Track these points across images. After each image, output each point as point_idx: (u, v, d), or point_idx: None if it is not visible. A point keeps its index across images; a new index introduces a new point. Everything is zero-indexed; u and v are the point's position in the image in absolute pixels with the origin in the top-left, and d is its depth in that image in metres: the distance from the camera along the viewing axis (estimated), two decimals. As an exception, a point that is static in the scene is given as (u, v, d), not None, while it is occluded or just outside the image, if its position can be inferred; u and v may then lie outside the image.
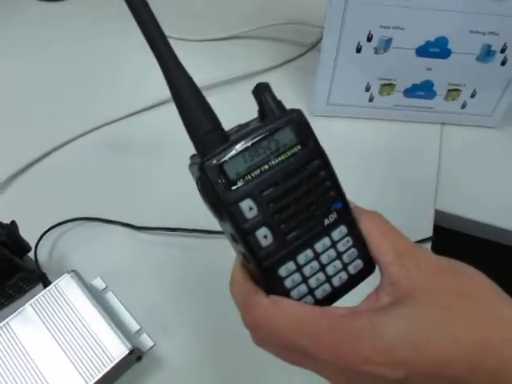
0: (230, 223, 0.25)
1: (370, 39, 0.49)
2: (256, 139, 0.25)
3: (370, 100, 0.54)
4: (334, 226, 0.26)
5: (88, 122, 0.56)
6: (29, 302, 0.41)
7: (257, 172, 0.25)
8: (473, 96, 0.53)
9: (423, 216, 0.51)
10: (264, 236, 0.25)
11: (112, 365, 0.39)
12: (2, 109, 0.58)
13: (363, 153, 0.54)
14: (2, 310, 0.45)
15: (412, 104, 0.54)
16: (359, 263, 0.27)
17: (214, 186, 0.24)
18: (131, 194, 0.52)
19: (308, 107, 0.56)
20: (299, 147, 0.25)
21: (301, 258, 0.26)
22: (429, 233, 0.50)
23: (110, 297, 0.46)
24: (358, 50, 0.50)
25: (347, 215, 0.27)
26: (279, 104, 0.26)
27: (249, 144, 0.24)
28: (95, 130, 0.56)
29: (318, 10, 0.64)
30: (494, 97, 0.53)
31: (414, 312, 0.23)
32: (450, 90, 0.53)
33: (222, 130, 0.26)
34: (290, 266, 0.26)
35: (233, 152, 0.24)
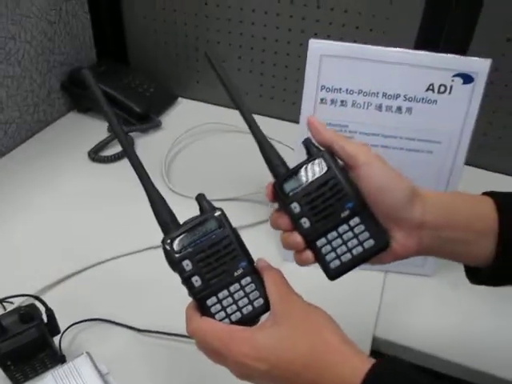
0: (178, 273, 0.43)
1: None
2: (193, 227, 0.43)
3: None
4: (241, 276, 0.42)
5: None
6: (50, 371, 0.54)
7: (192, 244, 0.42)
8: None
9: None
10: (196, 281, 0.42)
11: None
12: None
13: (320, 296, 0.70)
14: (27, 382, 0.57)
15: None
16: (260, 301, 0.43)
17: (168, 254, 0.43)
18: (140, 300, 0.67)
19: (281, 254, 0.74)
20: (218, 230, 0.43)
21: (220, 295, 0.42)
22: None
23: (111, 381, 0.58)
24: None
25: (251, 271, 0.43)
26: (210, 204, 0.44)
27: (188, 230, 0.43)
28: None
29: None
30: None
31: (277, 331, 0.40)
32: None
33: (176, 221, 0.44)
34: (213, 299, 0.42)
35: (179, 235, 0.43)
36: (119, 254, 0.74)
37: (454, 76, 0.62)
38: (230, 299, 0.42)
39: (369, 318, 0.68)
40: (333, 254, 0.44)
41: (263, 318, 0.43)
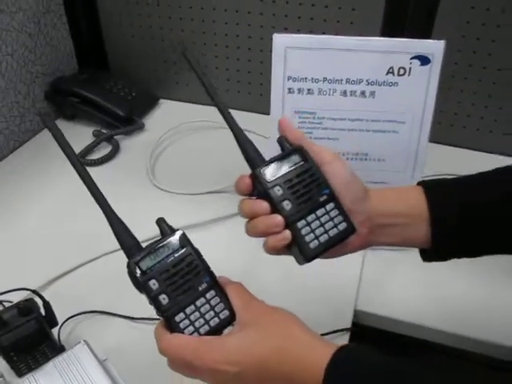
0: (145, 294, 0.44)
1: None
2: (156, 249, 0.45)
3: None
4: (206, 290, 0.45)
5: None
6: (51, 360, 0.58)
7: (157, 264, 0.44)
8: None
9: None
10: (163, 299, 0.43)
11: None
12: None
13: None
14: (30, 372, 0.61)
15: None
16: (226, 312, 0.45)
17: (134, 275, 0.44)
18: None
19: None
20: (180, 249, 0.44)
21: (187, 311, 0.44)
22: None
23: (110, 366, 0.62)
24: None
25: (214, 285, 0.45)
26: (171, 227, 0.46)
27: (152, 252, 0.44)
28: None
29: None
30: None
31: (246, 334, 0.43)
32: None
33: (138, 243, 0.45)
34: (181, 315, 0.44)
35: (143, 257, 0.44)
36: (111, 250, 0.78)
37: (412, 58, 0.66)
38: (197, 313, 0.44)
39: (350, 292, 0.72)
40: (312, 235, 0.46)
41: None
